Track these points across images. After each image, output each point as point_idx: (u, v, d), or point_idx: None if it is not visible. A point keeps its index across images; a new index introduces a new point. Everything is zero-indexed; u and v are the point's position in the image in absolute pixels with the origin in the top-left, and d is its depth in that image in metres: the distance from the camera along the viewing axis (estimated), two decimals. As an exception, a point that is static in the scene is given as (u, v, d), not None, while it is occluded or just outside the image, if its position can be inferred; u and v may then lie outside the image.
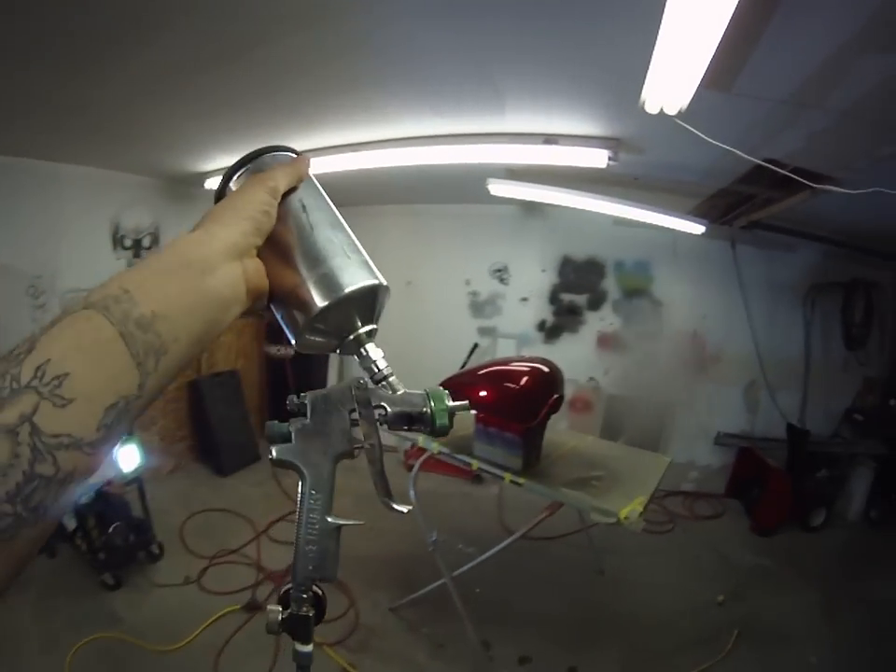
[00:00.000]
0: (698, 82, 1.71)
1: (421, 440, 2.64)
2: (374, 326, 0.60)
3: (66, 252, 3.85)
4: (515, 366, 2.54)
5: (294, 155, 0.61)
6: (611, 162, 2.80)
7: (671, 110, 1.94)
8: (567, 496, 2.27)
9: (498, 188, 3.65)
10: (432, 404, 0.57)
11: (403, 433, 0.62)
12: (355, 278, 0.56)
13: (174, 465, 4.47)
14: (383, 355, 0.60)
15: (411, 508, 0.58)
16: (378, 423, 0.57)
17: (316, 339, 0.58)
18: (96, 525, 2.92)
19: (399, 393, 0.58)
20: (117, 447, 0.41)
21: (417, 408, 0.57)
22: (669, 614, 2.98)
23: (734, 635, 2.78)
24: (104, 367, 0.38)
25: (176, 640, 2.57)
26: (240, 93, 2.53)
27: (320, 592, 0.53)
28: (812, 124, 2.19)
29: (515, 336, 5.14)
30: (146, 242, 4.43)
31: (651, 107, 1.94)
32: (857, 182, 2.29)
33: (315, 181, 0.63)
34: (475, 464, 2.49)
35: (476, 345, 5.10)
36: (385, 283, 0.59)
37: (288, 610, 0.52)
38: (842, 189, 2.33)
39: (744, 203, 3.60)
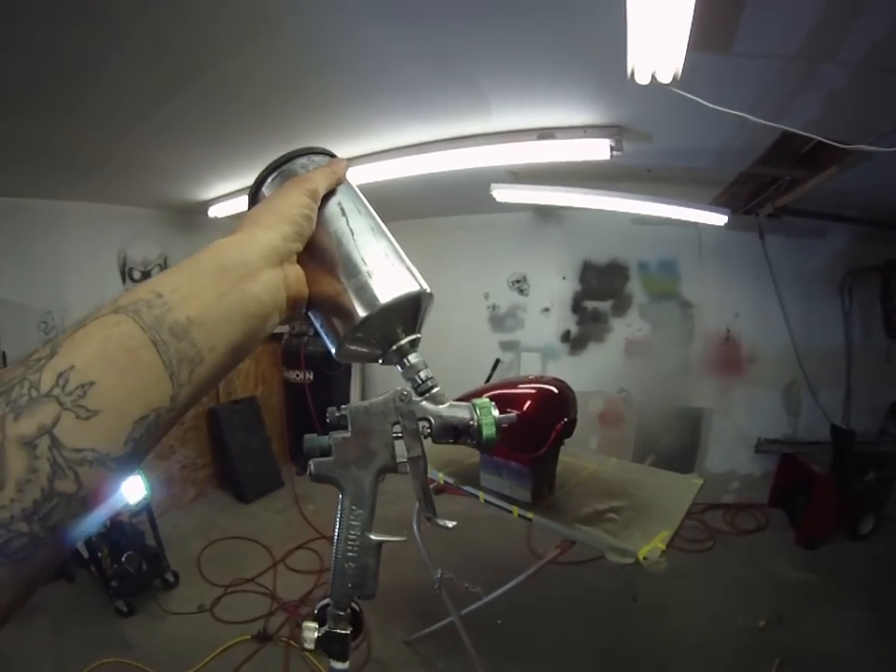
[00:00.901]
0: (686, 38, 1.52)
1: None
2: (418, 335, 0.59)
3: (75, 287, 3.98)
4: (520, 389, 2.34)
5: (330, 157, 0.60)
6: (616, 153, 2.64)
7: (665, 77, 1.75)
8: (580, 532, 2.05)
9: (503, 193, 3.52)
10: (479, 416, 0.56)
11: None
12: (398, 286, 0.55)
13: (194, 493, 4.50)
14: (427, 365, 0.59)
15: (455, 523, 0.58)
16: (423, 436, 0.56)
17: (358, 349, 0.57)
18: (109, 554, 3.00)
19: (444, 405, 0.57)
20: (141, 463, 0.38)
21: (464, 420, 0.56)
22: (706, 643, 2.76)
23: (775, 664, 2.54)
24: (133, 377, 0.35)
25: (185, 669, 2.55)
26: (224, 120, 2.55)
27: (357, 608, 0.53)
28: (828, 82, 1.98)
29: (539, 349, 4.95)
30: (154, 273, 4.52)
31: (642, 76, 1.76)
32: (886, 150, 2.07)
33: (353, 185, 0.61)
34: (482, 496, 2.34)
35: (498, 361, 4.94)
36: (428, 289, 0.57)
37: (324, 628, 0.52)
38: (878, 149, 2.07)
39: (767, 188, 3.41)
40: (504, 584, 2.37)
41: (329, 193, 0.56)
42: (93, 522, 0.34)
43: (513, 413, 0.59)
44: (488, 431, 0.55)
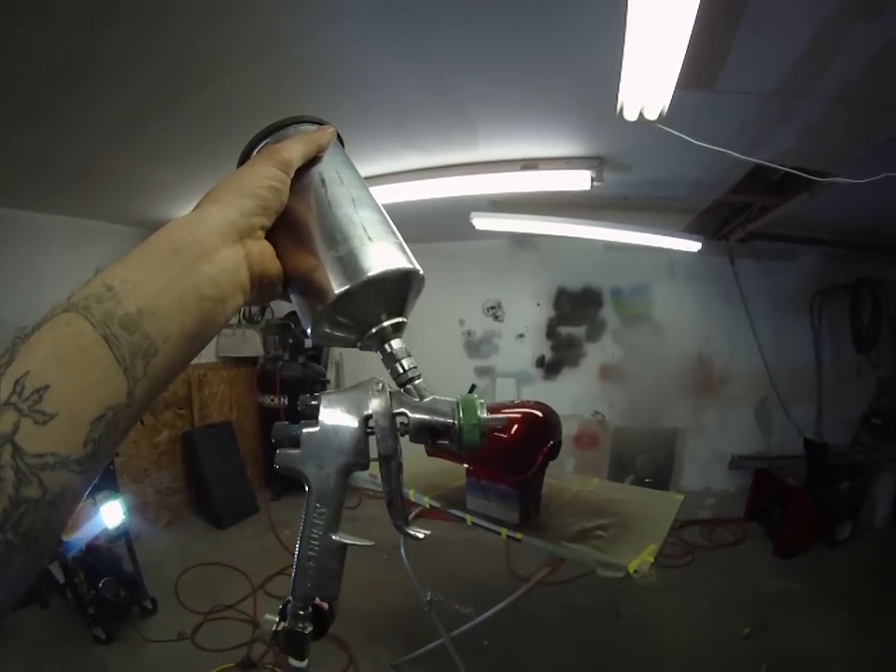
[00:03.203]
0: (676, 78, 1.63)
1: (412, 493, 2.51)
2: (403, 319, 0.53)
3: (52, 301, 3.74)
4: (506, 413, 2.35)
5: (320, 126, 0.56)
6: (596, 183, 2.75)
7: (652, 114, 1.86)
8: (569, 550, 2.09)
9: (483, 221, 3.58)
10: (462, 416, 0.50)
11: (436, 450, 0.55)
12: (380, 262, 0.49)
13: (168, 518, 4.39)
14: (410, 354, 0.53)
15: (428, 532, 0.53)
16: (398, 433, 0.51)
17: (335, 332, 0.52)
18: (86, 580, 2.90)
19: (425, 400, 0.52)
20: (108, 462, 0.39)
21: (445, 419, 0.50)
22: (692, 654, 2.80)
23: (762, 668, 2.60)
24: (86, 376, 0.34)
25: (168, 698, 2.46)
26: (201, 137, 2.52)
27: (325, 606, 0.51)
28: (803, 116, 2.12)
29: (514, 374, 5.03)
30: None
31: (630, 113, 1.87)
32: (853, 176, 2.23)
33: (343, 153, 0.57)
34: (469, 519, 2.35)
35: (474, 386, 4.94)
36: (420, 270, 0.52)
37: (283, 623, 0.49)
38: (848, 180, 2.24)
39: (739, 215, 3.55)
40: (487, 606, 2.40)
41: (312, 162, 0.52)
42: (63, 523, 0.34)
43: (503, 416, 0.54)
44: (470, 436, 0.50)
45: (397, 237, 0.52)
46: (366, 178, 0.56)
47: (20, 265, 3.70)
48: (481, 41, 1.73)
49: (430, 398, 0.52)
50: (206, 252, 0.42)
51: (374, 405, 0.50)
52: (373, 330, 0.51)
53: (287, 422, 0.51)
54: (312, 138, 0.52)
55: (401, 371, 0.52)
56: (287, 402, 4.88)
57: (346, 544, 0.49)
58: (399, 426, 0.51)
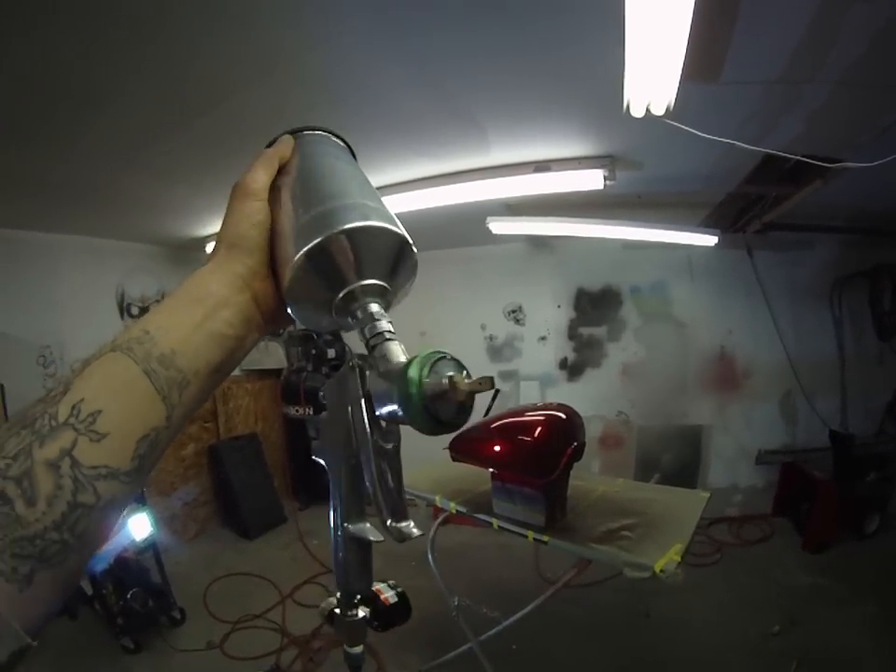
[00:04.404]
0: (679, 71, 1.63)
1: (438, 498, 2.51)
2: (380, 282, 0.46)
3: (72, 321, 3.95)
4: (529, 416, 2.37)
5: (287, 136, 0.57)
6: (608, 182, 2.75)
7: (658, 110, 1.86)
8: (595, 552, 2.07)
9: (499, 225, 3.60)
10: (410, 376, 0.39)
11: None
12: (360, 216, 0.45)
13: (196, 530, 4.45)
14: (386, 317, 0.45)
15: (421, 533, 0.44)
16: (366, 412, 0.44)
17: (306, 312, 0.49)
18: (114, 591, 2.94)
19: (389, 364, 0.42)
20: (149, 475, 0.43)
21: (384, 386, 0.42)
22: (722, 652, 2.76)
23: (793, 666, 2.55)
24: (132, 403, 0.41)
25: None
26: (210, 155, 2.56)
27: (390, 600, 0.50)
28: (808, 102, 2.11)
29: (537, 377, 5.01)
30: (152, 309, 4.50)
31: (637, 110, 1.87)
32: (864, 160, 2.19)
33: (317, 145, 0.56)
34: (495, 523, 2.34)
35: (497, 391, 4.95)
36: (409, 239, 0.47)
37: (335, 608, 0.50)
38: (859, 164, 2.21)
39: (754, 206, 3.52)
40: (515, 610, 2.37)
41: (281, 171, 0.54)
42: (112, 527, 0.39)
43: (478, 381, 0.40)
44: (406, 404, 0.39)
45: (383, 205, 0.49)
46: (379, 188, 0.57)
47: (37, 285, 3.80)
48: (480, 45, 1.75)
49: (396, 362, 0.42)
50: (221, 301, 0.48)
51: (354, 381, 0.45)
52: (340, 295, 0.46)
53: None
54: (271, 154, 0.55)
55: (367, 336, 0.44)
56: (311, 412, 4.91)
57: (357, 537, 0.48)
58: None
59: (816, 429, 4.36)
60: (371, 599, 0.50)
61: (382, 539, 0.45)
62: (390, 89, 2.02)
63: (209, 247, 4.11)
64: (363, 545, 0.48)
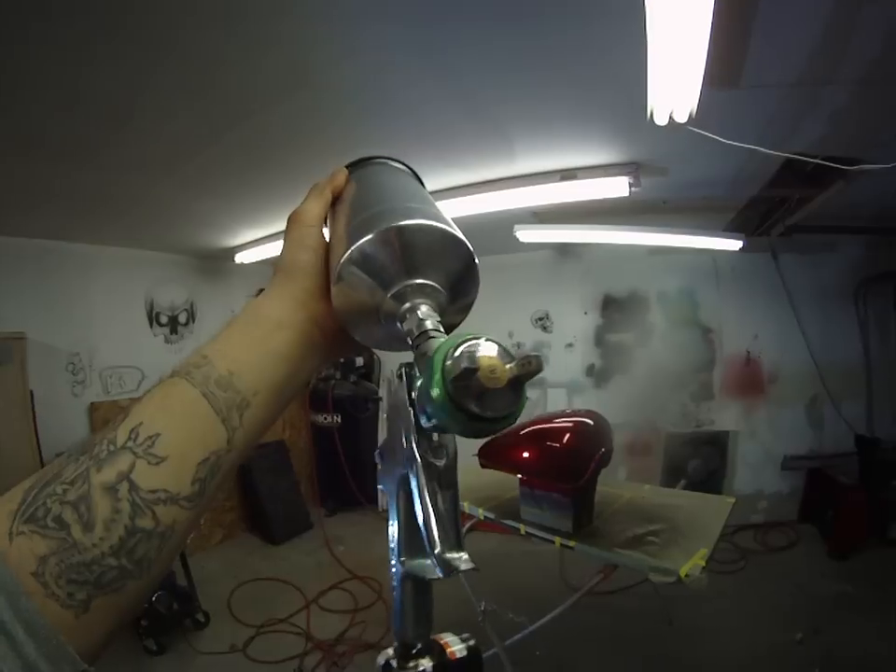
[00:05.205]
0: (701, 78, 1.63)
1: (466, 504, 2.53)
2: (432, 283, 0.43)
3: (102, 330, 4.04)
4: (558, 422, 2.42)
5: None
6: (634, 189, 2.74)
7: (681, 117, 1.86)
8: (622, 557, 2.09)
9: (527, 233, 3.61)
10: (433, 376, 0.34)
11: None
12: (385, 220, 0.43)
13: (223, 535, 4.51)
14: (435, 317, 0.41)
15: (473, 566, 0.37)
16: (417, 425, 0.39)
17: (356, 321, 0.47)
18: None
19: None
20: (212, 501, 0.43)
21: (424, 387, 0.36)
22: (745, 660, 2.73)
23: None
24: (191, 426, 0.40)
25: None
26: (241, 167, 2.62)
27: (456, 653, 0.43)
28: (830, 103, 2.08)
29: (564, 384, 4.98)
30: (181, 318, 4.62)
31: (660, 117, 1.87)
32: (887, 160, 2.18)
33: (371, 169, 0.58)
34: (523, 528, 2.36)
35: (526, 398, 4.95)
36: (475, 258, 0.45)
37: (391, 659, 0.44)
38: (880, 166, 2.19)
39: (778, 209, 3.48)
40: (540, 616, 2.38)
41: (338, 197, 0.56)
42: (174, 554, 0.39)
43: (532, 355, 0.33)
44: (437, 407, 0.34)
45: (432, 206, 0.47)
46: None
47: (69, 294, 3.89)
48: (508, 58, 1.76)
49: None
50: (277, 322, 0.48)
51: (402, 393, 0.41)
52: (388, 295, 0.43)
53: None
54: (323, 186, 0.56)
55: (413, 338, 0.40)
56: (339, 420, 4.97)
57: (413, 574, 0.42)
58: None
59: (842, 434, 4.28)
60: (436, 652, 0.43)
61: (440, 576, 0.37)
62: (420, 102, 2.05)
63: (238, 257, 4.23)
64: (420, 585, 0.43)
